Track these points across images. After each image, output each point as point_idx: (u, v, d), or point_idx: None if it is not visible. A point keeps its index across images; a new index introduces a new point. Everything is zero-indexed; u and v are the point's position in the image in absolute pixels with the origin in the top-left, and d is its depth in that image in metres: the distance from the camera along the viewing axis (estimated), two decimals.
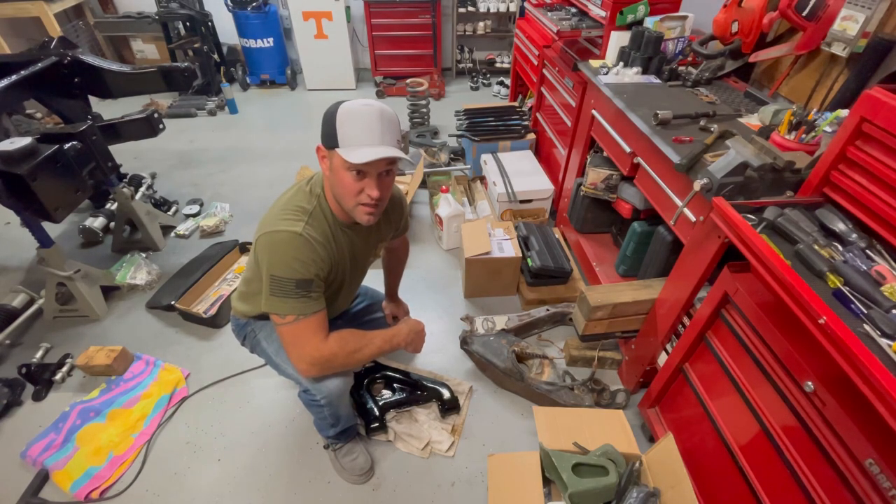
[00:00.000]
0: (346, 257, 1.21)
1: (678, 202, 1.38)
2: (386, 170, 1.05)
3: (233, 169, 3.16)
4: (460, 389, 1.74)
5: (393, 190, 1.23)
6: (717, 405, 1.23)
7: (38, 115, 3.33)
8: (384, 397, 1.69)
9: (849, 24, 1.38)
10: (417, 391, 1.71)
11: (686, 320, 1.39)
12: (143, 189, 2.72)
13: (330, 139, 1.00)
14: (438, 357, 1.89)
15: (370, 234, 1.27)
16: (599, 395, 1.67)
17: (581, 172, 2.14)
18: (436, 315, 2.08)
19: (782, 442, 1.00)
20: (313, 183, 1.15)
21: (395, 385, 1.74)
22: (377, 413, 1.61)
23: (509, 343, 1.75)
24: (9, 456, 1.55)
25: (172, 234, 2.54)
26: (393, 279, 1.69)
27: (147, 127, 2.24)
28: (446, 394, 1.68)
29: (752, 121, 1.51)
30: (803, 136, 1.27)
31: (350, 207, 1.08)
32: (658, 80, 1.81)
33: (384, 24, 4.06)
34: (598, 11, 2.11)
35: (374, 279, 1.66)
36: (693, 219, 1.31)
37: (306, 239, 1.05)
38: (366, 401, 1.64)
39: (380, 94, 4.21)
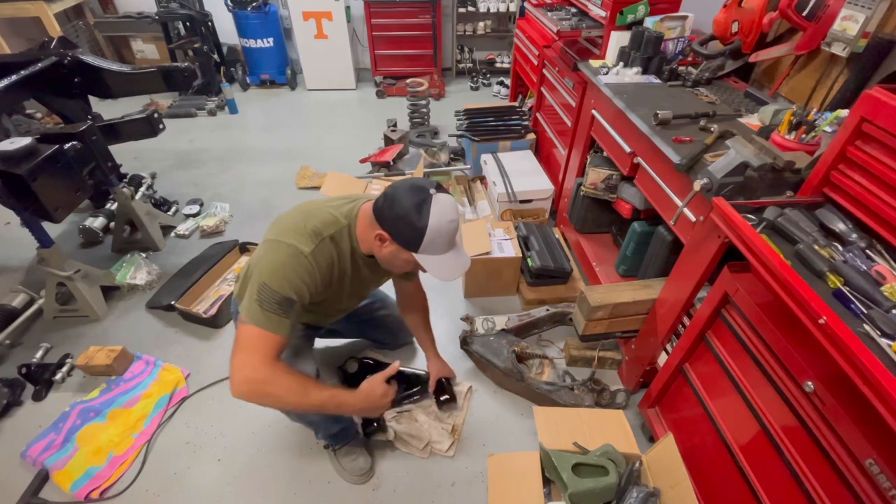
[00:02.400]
0: (348, 280, 1.22)
1: (678, 202, 1.38)
2: None
3: (233, 169, 3.16)
4: (459, 389, 1.74)
5: None
6: (717, 405, 1.23)
7: (38, 115, 3.34)
8: None
9: (849, 24, 1.38)
10: (413, 387, 1.70)
11: (686, 320, 1.38)
12: (143, 189, 2.72)
13: (409, 245, 1.07)
14: None
15: (379, 269, 1.27)
16: (599, 395, 1.67)
17: (581, 172, 2.14)
18: (436, 315, 2.06)
19: (782, 442, 1.00)
20: (343, 212, 1.15)
21: (390, 382, 1.73)
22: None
23: (509, 343, 1.75)
24: (9, 456, 1.55)
25: (172, 234, 2.54)
26: (423, 334, 1.64)
27: (147, 127, 2.24)
28: (444, 387, 1.65)
29: (752, 121, 1.51)
30: (803, 136, 1.27)
31: (390, 269, 1.20)
32: (658, 80, 1.81)
33: (384, 24, 4.06)
34: (598, 11, 2.11)
35: None
36: (693, 219, 1.31)
37: (310, 262, 1.06)
38: None
39: (380, 94, 4.21)
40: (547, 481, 1.33)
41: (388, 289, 1.77)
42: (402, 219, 1.03)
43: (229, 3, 3.88)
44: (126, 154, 3.08)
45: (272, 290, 1.01)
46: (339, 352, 1.87)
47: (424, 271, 1.14)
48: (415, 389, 1.70)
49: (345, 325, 1.67)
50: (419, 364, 1.85)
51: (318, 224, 1.10)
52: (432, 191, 1.05)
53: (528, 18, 2.99)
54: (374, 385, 1.23)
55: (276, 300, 1.01)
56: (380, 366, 1.76)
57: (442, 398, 1.64)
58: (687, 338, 1.31)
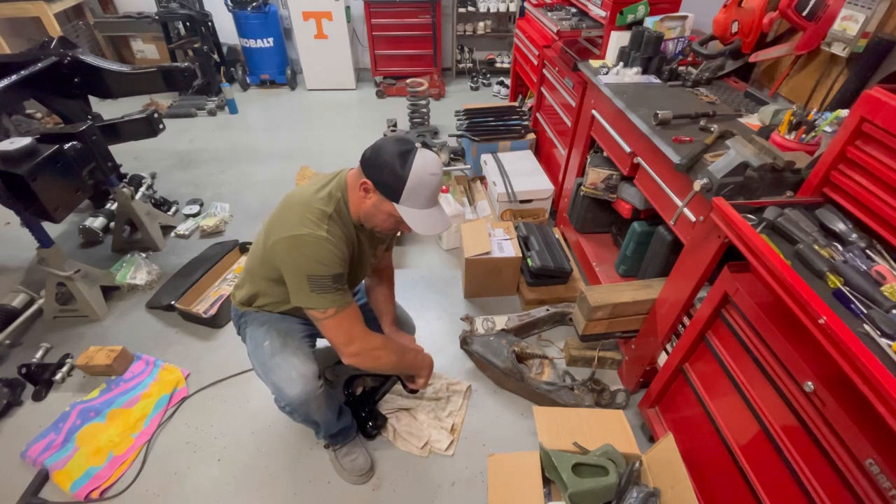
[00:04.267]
0: (357, 251, 1.26)
1: (678, 202, 1.38)
2: None
3: (233, 169, 3.16)
4: (459, 387, 1.74)
5: None
6: (717, 405, 1.23)
7: (38, 115, 3.34)
8: (363, 396, 1.67)
9: (849, 24, 1.38)
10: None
11: (686, 320, 1.38)
12: (143, 189, 2.72)
13: (391, 193, 1.08)
14: (438, 357, 1.86)
15: (372, 237, 1.30)
16: (599, 395, 1.67)
17: (581, 172, 2.14)
18: (436, 315, 2.08)
19: (782, 442, 1.00)
20: (332, 187, 1.17)
21: (368, 378, 1.72)
22: (363, 414, 1.60)
23: (509, 343, 1.75)
24: (9, 456, 1.55)
25: (172, 234, 2.54)
26: (386, 305, 1.55)
27: (147, 127, 2.24)
28: None
29: (752, 121, 1.51)
30: (803, 136, 1.27)
31: (373, 229, 1.19)
32: (658, 80, 1.81)
33: (384, 24, 4.06)
34: (598, 11, 2.11)
35: None
36: (693, 219, 1.31)
37: (331, 240, 1.10)
38: (354, 407, 1.62)
39: (380, 94, 4.21)
40: (547, 481, 1.33)
41: None
42: (386, 166, 1.06)
43: (229, 3, 3.88)
44: (126, 154, 3.08)
45: (320, 275, 1.09)
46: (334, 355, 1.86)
47: (407, 230, 1.15)
48: (386, 379, 1.68)
49: None
50: None
51: (319, 206, 1.13)
52: (417, 145, 1.10)
53: (528, 18, 2.99)
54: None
55: (330, 280, 1.11)
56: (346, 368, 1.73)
57: (410, 386, 1.52)
58: (687, 338, 1.31)
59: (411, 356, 1.39)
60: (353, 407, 1.62)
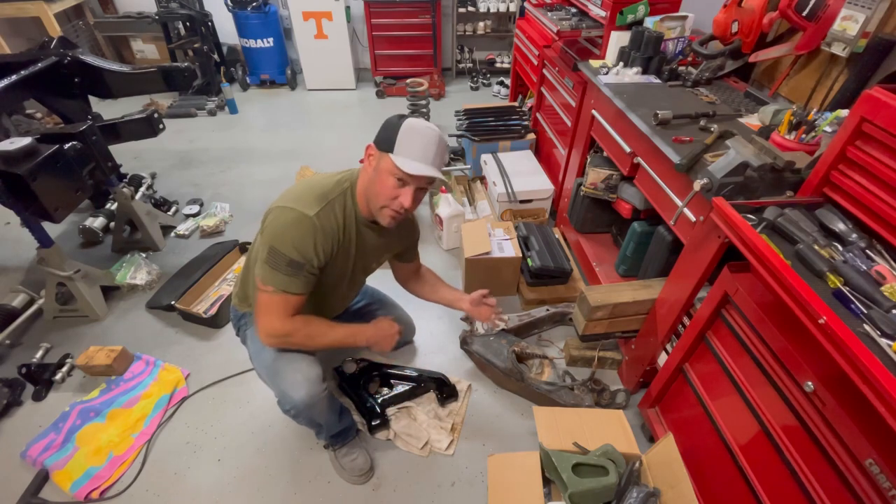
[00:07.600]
0: (353, 251, 1.25)
1: (678, 202, 1.38)
2: (423, 186, 1.14)
3: (233, 169, 3.16)
4: (459, 387, 1.75)
5: None
6: (717, 405, 1.23)
7: (38, 115, 3.33)
8: (383, 394, 1.70)
9: (849, 24, 1.38)
10: (415, 383, 1.72)
11: (686, 320, 1.39)
12: (143, 189, 2.72)
13: (386, 144, 1.10)
14: (438, 357, 1.89)
15: (381, 238, 1.30)
16: (599, 395, 1.67)
17: (581, 172, 2.14)
18: (436, 315, 2.07)
19: (782, 442, 1.00)
20: (345, 177, 1.21)
21: (391, 381, 1.75)
22: (378, 410, 1.61)
23: (509, 343, 1.75)
24: (9, 456, 1.55)
25: (172, 234, 2.54)
26: (443, 291, 1.63)
27: (147, 127, 2.24)
28: (444, 382, 1.70)
29: (752, 121, 1.51)
30: (803, 136, 1.27)
31: (377, 208, 1.17)
32: (658, 80, 1.81)
33: (384, 24, 4.06)
34: (598, 11, 2.11)
35: (377, 279, 1.66)
36: (693, 219, 1.31)
37: (315, 224, 1.11)
38: (365, 399, 1.64)
39: (380, 94, 4.21)
40: (547, 481, 1.33)
41: (386, 289, 1.78)
42: (386, 124, 1.12)
43: (229, 3, 3.88)
44: (126, 154, 3.08)
45: (280, 252, 1.09)
46: (339, 353, 1.87)
47: (408, 203, 1.12)
48: (415, 386, 1.72)
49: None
50: (419, 363, 1.85)
51: (322, 190, 1.15)
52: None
53: (528, 18, 2.99)
54: (388, 322, 1.40)
55: (285, 262, 1.10)
56: (376, 366, 1.77)
57: (444, 395, 1.67)
58: (687, 338, 1.31)
59: (339, 335, 1.27)
60: (349, 388, 1.66)
